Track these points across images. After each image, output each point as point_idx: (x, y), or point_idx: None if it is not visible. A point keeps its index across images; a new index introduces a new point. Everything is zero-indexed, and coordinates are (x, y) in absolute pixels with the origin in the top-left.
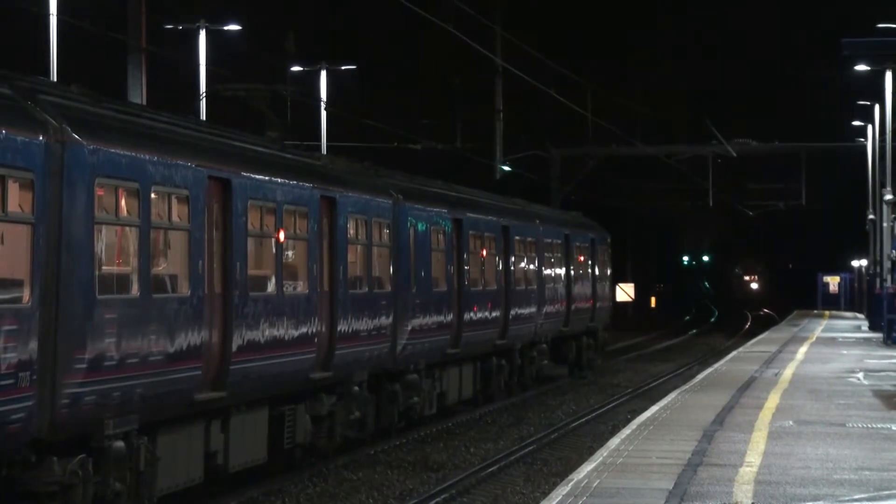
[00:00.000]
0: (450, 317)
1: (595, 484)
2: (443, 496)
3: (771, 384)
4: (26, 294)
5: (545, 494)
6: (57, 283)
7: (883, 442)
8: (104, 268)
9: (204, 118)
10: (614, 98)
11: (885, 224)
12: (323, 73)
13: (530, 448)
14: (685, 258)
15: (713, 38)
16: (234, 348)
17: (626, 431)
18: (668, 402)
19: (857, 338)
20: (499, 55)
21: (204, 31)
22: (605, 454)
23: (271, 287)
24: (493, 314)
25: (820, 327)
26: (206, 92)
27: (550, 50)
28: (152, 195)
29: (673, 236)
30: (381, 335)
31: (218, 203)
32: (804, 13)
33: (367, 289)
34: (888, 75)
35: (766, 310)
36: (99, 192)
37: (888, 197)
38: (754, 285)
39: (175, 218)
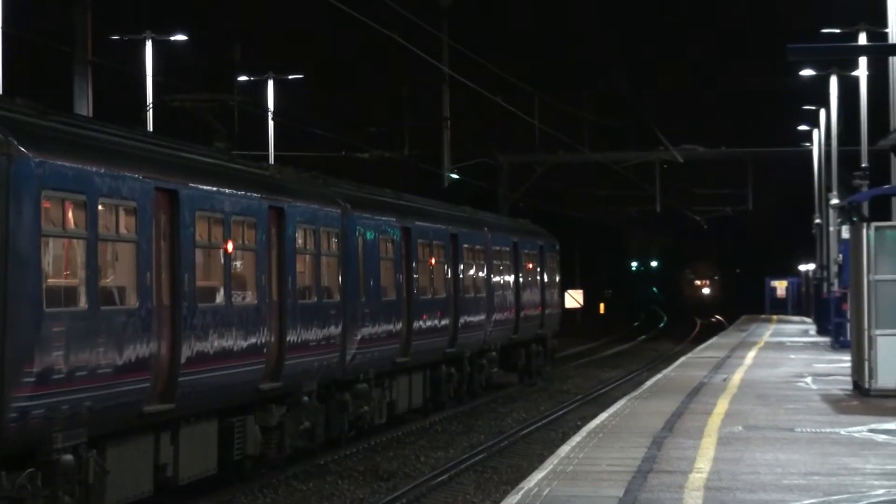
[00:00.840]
0: (399, 325)
1: (545, 492)
2: None
3: (720, 390)
4: None
5: (496, 503)
6: (4, 297)
7: (832, 447)
8: (52, 281)
9: (151, 129)
10: (561, 105)
11: (831, 228)
12: (270, 83)
13: (480, 456)
14: (633, 264)
15: (660, 43)
16: (183, 360)
17: (576, 439)
18: (617, 408)
19: (804, 342)
20: (445, 63)
21: (150, 41)
22: (555, 462)
23: (220, 298)
24: (443, 322)
25: (768, 332)
26: (152, 103)
27: (497, 57)
28: (100, 207)
29: (621, 242)
30: (331, 345)
31: (166, 214)
32: (751, 18)
33: (315, 298)
34: (833, 80)
35: (717, 317)
36: (46, 204)
37: (834, 201)
38: (706, 290)
39: (123, 230)
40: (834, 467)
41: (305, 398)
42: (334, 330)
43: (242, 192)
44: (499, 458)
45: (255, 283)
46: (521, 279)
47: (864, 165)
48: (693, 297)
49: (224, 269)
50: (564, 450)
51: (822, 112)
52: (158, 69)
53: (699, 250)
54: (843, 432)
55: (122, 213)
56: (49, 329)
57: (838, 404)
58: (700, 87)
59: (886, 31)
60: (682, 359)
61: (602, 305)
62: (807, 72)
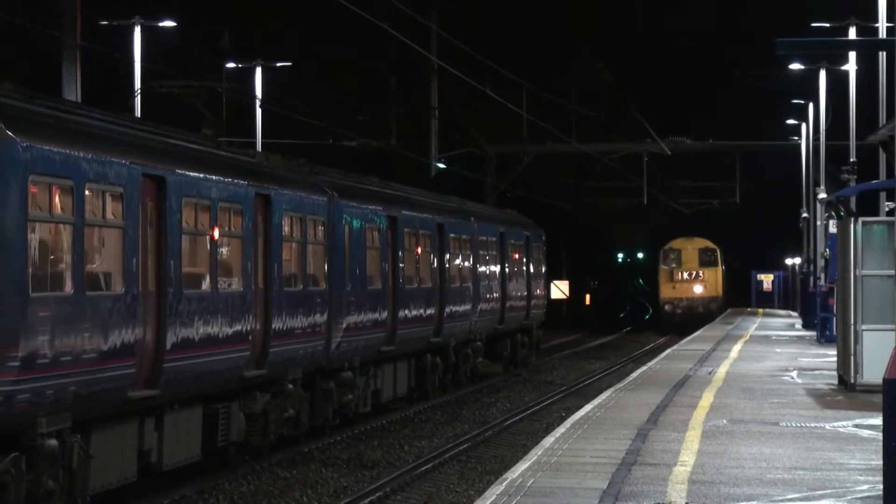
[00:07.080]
0: (384, 314)
1: (529, 483)
2: (377, 494)
3: (705, 383)
4: None
5: (479, 493)
6: None
7: (816, 441)
8: (38, 265)
9: (139, 115)
10: (549, 96)
11: (818, 223)
12: (258, 70)
13: (465, 446)
14: (619, 255)
15: (648, 36)
16: (168, 346)
17: (560, 430)
18: (602, 400)
19: (790, 336)
20: (434, 53)
21: (139, 27)
22: (539, 453)
23: (206, 285)
24: (428, 312)
25: (754, 325)
26: (140, 89)
27: (486, 47)
28: (86, 192)
29: (608, 234)
30: (316, 333)
31: (152, 200)
32: (740, 11)
33: (301, 286)
34: (822, 74)
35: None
36: (33, 189)
37: (821, 196)
38: (699, 288)
39: (109, 215)
40: (818, 462)
41: (290, 386)
42: (319, 318)
43: (229, 179)
44: (483, 448)
45: (241, 270)
46: (507, 269)
47: (852, 160)
48: (675, 303)
49: (210, 255)
50: (549, 441)
51: (811, 106)
52: (147, 55)
53: (690, 230)
54: (828, 427)
55: (108, 199)
56: (35, 314)
57: (823, 399)
58: (690, 79)
59: (876, 25)
60: (668, 351)
61: (588, 296)
62: (796, 66)
